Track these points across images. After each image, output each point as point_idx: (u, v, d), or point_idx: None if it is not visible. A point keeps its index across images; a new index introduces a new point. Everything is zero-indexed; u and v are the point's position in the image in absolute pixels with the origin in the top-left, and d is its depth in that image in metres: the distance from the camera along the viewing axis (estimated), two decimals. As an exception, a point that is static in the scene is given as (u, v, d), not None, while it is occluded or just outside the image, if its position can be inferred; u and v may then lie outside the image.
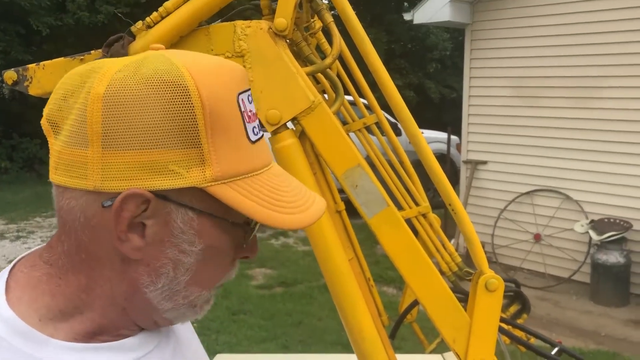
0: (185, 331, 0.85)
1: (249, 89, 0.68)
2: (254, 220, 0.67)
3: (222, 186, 0.63)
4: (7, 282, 0.67)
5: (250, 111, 0.67)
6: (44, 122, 0.65)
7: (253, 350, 4.42)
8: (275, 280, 6.26)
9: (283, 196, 0.66)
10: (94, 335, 0.67)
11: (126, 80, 0.60)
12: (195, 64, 0.63)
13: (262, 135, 0.70)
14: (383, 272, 6.20)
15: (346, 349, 4.57)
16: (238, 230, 0.68)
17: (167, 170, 0.61)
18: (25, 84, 1.26)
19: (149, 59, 0.63)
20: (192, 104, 0.60)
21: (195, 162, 0.61)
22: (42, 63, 1.26)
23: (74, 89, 0.63)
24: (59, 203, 0.65)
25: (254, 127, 0.67)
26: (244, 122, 0.65)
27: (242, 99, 0.66)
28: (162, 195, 0.62)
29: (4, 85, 14.95)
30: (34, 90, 1.26)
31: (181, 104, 0.60)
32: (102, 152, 0.60)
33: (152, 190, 0.61)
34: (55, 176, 0.64)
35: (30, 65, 1.27)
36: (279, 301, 5.63)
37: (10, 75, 1.26)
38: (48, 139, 0.65)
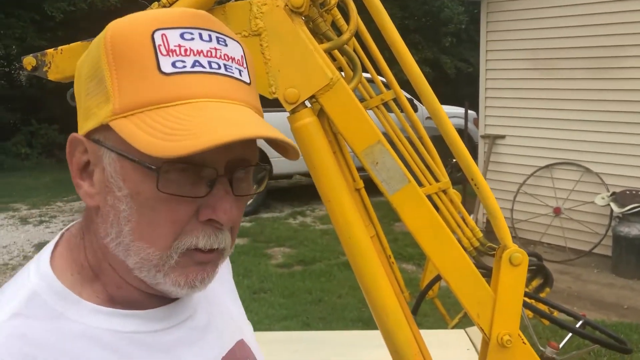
0: (227, 299, 0.85)
1: (194, 28, 0.65)
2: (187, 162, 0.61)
3: (121, 120, 0.61)
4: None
5: (179, 45, 0.63)
6: None
7: (274, 328, 4.46)
8: (294, 259, 6.30)
9: (183, 125, 0.59)
10: (112, 298, 0.68)
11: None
12: (131, 15, 0.67)
13: (191, 69, 0.63)
14: (402, 250, 6.21)
15: (367, 325, 4.61)
16: (153, 173, 0.62)
17: (91, 114, 0.65)
18: (44, 69, 1.27)
19: None
20: (99, 46, 0.64)
21: (104, 100, 0.63)
22: (60, 48, 1.27)
23: None
24: None
25: (179, 60, 0.63)
26: (156, 55, 0.62)
27: (164, 34, 0.63)
28: (95, 140, 0.65)
29: (21, 72, 15.10)
30: (53, 75, 1.27)
31: (97, 49, 0.65)
32: (79, 104, 0.68)
33: (84, 134, 0.66)
34: None
35: (48, 51, 1.27)
36: (299, 279, 5.67)
37: (29, 60, 1.26)
38: None
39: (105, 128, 0.63)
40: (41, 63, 1.27)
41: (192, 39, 0.64)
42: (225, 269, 0.91)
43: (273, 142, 0.66)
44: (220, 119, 0.61)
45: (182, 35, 0.64)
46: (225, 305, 0.85)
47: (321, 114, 1.20)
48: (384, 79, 1.94)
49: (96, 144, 0.65)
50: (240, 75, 0.67)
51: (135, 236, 0.64)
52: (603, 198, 5.93)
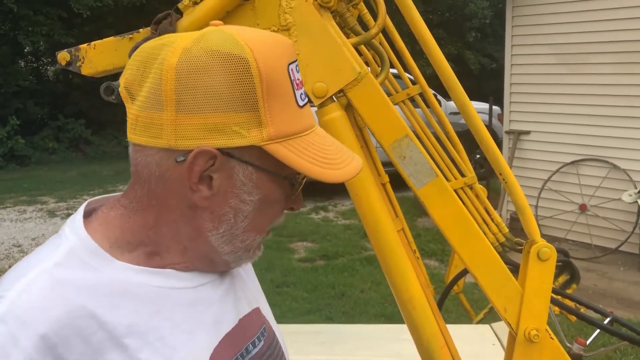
0: (243, 273, 0.94)
1: (297, 60, 0.77)
2: (301, 175, 0.77)
3: (276, 145, 0.72)
4: (86, 216, 0.80)
5: (298, 79, 0.76)
6: (121, 89, 0.74)
7: (298, 322, 4.49)
8: (317, 253, 6.32)
9: (327, 154, 0.75)
10: (152, 264, 0.77)
11: (195, 53, 0.69)
12: (253, 39, 0.71)
13: (307, 100, 0.78)
14: (424, 245, 6.19)
15: (389, 320, 4.61)
16: (287, 183, 0.78)
17: (231, 131, 0.70)
18: (78, 64, 1.30)
19: (213, 34, 0.71)
20: (251, 74, 0.69)
21: (254, 124, 0.71)
22: (92, 43, 1.29)
23: (147, 61, 0.71)
24: (136, 159, 0.75)
25: (301, 93, 0.76)
26: (293, 89, 0.74)
27: (292, 69, 0.74)
28: (226, 153, 0.72)
29: (48, 67, 15.34)
30: (86, 70, 1.29)
31: (243, 74, 0.69)
32: (176, 115, 0.69)
33: (218, 148, 0.71)
34: (133, 136, 0.73)
35: (82, 46, 1.30)
36: (321, 274, 5.69)
37: (63, 56, 1.29)
38: (125, 104, 0.74)
39: (249, 147, 0.72)
40: (75, 58, 1.30)
41: (298, 71, 0.76)
42: None
43: None
44: (341, 150, 0.79)
45: (296, 68, 0.76)
46: (241, 276, 0.93)
47: (348, 108, 1.21)
48: (409, 74, 1.93)
49: (228, 156, 0.72)
50: (306, 97, 0.79)
51: (248, 228, 0.78)
52: (630, 195, 5.83)
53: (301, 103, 0.75)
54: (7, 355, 0.65)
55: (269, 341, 0.89)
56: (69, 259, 0.73)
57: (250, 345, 0.84)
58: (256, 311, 0.90)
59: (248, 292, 0.91)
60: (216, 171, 0.73)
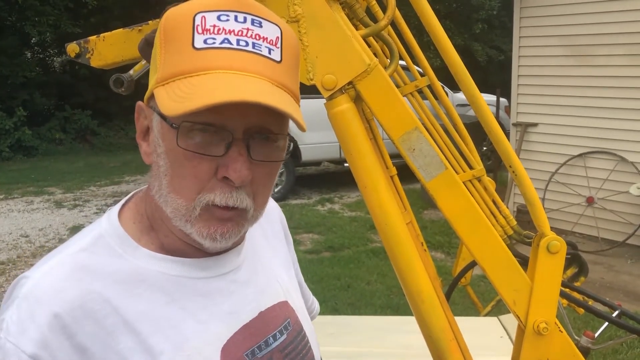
0: (273, 270, 0.93)
1: (231, 11, 0.72)
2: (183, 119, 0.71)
3: (160, 88, 0.71)
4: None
5: (214, 26, 0.71)
6: None
7: (303, 314, 4.50)
8: (323, 245, 6.33)
9: (193, 90, 0.68)
10: (163, 245, 0.80)
11: None
12: (186, 2, 0.74)
13: (223, 45, 0.71)
14: (431, 238, 6.19)
15: (395, 312, 4.62)
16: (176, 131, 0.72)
17: (151, 84, 0.74)
18: (87, 56, 1.30)
19: None
20: (159, 28, 0.74)
21: (154, 71, 0.74)
22: (102, 35, 1.29)
23: None
24: None
25: (210, 38, 0.70)
26: (193, 33, 0.71)
27: (204, 16, 0.71)
28: (150, 106, 0.76)
29: (55, 58, 15.36)
30: (95, 62, 1.29)
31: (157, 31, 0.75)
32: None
33: (145, 101, 0.77)
34: None
35: (91, 38, 1.30)
36: (327, 265, 5.70)
37: (72, 48, 1.29)
38: None
39: (153, 95, 0.73)
40: (84, 50, 1.30)
41: (227, 20, 0.72)
42: (279, 238, 1.04)
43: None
44: (225, 86, 0.68)
45: (218, 17, 0.71)
46: (273, 269, 0.93)
47: (357, 100, 1.21)
48: (417, 67, 1.92)
49: (150, 109, 0.76)
50: (270, 53, 0.73)
51: (170, 188, 0.74)
52: (638, 188, 5.80)
53: (200, 45, 0.70)
54: (25, 330, 0.69)
55: (294, 335, 0.89)
56: (96, 245, 0.77)
57: (271, 338, 0.85)
58: (282, 304, 0.90)
59: (276, 285, 0.92)
60: (150, 127, 0.76)
